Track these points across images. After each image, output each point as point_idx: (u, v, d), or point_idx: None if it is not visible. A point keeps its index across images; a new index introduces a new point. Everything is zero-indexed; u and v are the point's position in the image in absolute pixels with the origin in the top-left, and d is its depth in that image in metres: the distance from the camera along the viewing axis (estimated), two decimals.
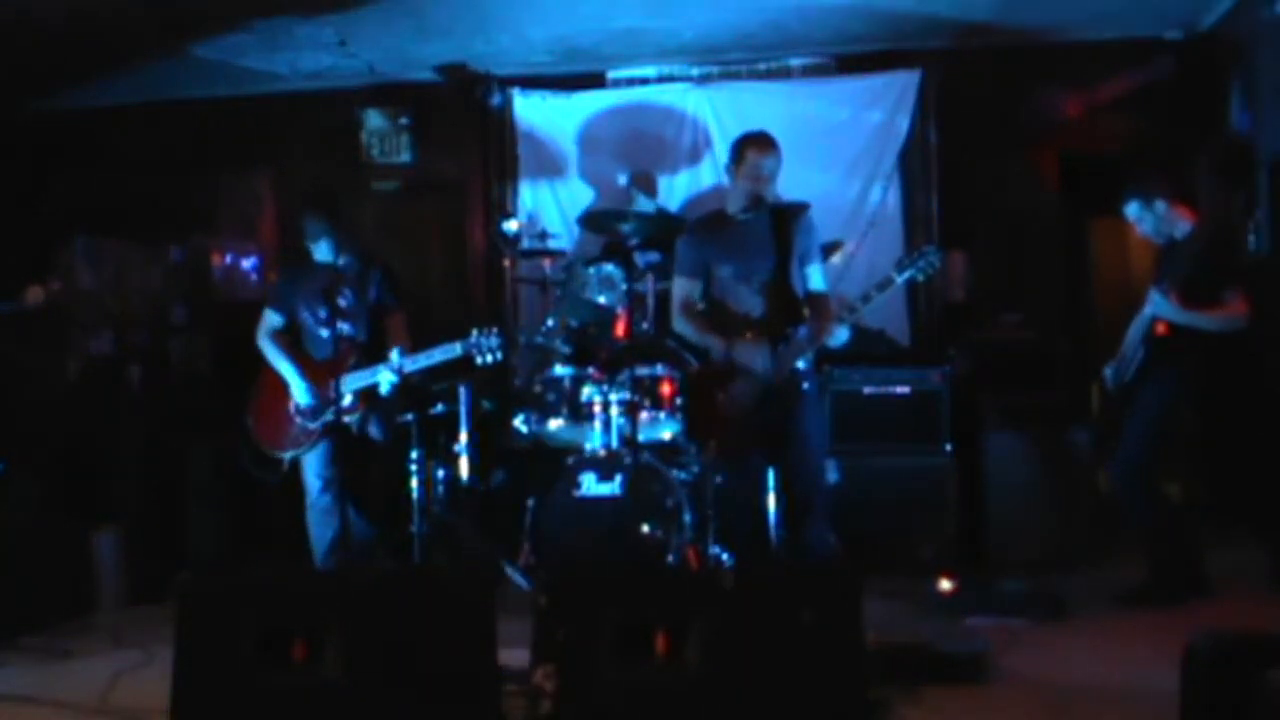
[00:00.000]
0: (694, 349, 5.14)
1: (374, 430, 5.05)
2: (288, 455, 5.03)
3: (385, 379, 4.83)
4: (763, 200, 4.59)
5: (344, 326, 4.91)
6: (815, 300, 4.65)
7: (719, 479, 4.89)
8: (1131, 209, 5.02)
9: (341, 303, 4.91)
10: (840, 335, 4.53)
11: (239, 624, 3.02)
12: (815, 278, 4.69)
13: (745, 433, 4.54)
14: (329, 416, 4.84)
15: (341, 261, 4.89)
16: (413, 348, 4.91)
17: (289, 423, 5.02)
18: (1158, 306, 4.83)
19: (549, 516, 5.14)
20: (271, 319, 5.13)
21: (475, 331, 4.77)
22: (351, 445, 4.97)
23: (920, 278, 4.50)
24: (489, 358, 4.78)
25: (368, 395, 4.92)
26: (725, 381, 4.56)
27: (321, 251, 4.98)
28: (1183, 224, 4.95)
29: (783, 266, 4.60)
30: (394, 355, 4.82)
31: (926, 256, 4.40)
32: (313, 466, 5.04)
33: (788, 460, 4.57)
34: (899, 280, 4.44)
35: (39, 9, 5.69)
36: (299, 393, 4.98)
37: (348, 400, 4.83)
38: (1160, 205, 4.95)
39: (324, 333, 4.98)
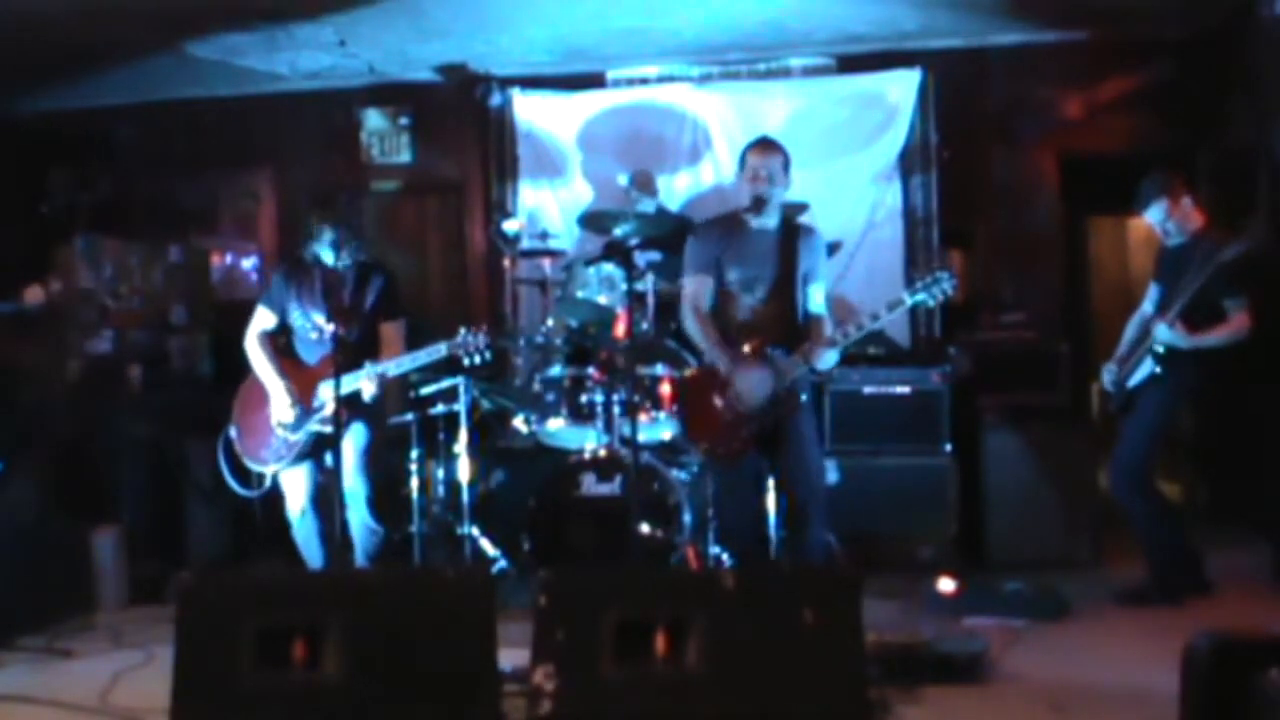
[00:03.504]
0: (695, 349, 5.13)
1: (361, 433, 4.77)
2: (269, 469, 4.79)
3: (368, 387, 4.58)
4: (764, 201, 4.57)
5: (337, 331, 4.58)
6: (811, 322, 4.62)
7: (719, 479, 4.90)
8: (1155, 211, 4.94)
9: (335, 305, 4.64)
10: (829, 359, 4.50)
11: (239, 624, 3.01)
12: (815, 299, 4.65)
13: (739, 437, 4.52)
14: (312, 427, 4.66)
15: (342, 264, 4.66)
16: (403, 353, 4.70)
17: (269, 433, 4.76)
18: (1164, 337, 4.79)
19: (549, 516, 5.15)
20: (263, 317, 4.86)
21: (462, 331, 4.58)
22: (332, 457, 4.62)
23: (931, 302, 4.46)
24: (476, 358, 4.58)
25: (351, 401, 4.57)
26: (722, 385, 4.55)
27: (325, 253, 4.70)
28: (1194, 224, 4.94)
29: (788, 280, 4.58)
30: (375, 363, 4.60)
31: (940, 282, 4.34)
32: (294, 492, 4.82)
33: (785, 462, 4.56)
34: (910, 302, 4.41)
35: (38, 8, 5.69)
36: (280, 407, 4.70)
37: (330, 409, 4.47)
38: (1186, 202, 4.91)
39: (314, 337, 4.76)
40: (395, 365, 4.63)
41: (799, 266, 4.60)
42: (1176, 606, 4.78)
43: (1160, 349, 4.83)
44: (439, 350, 4.60)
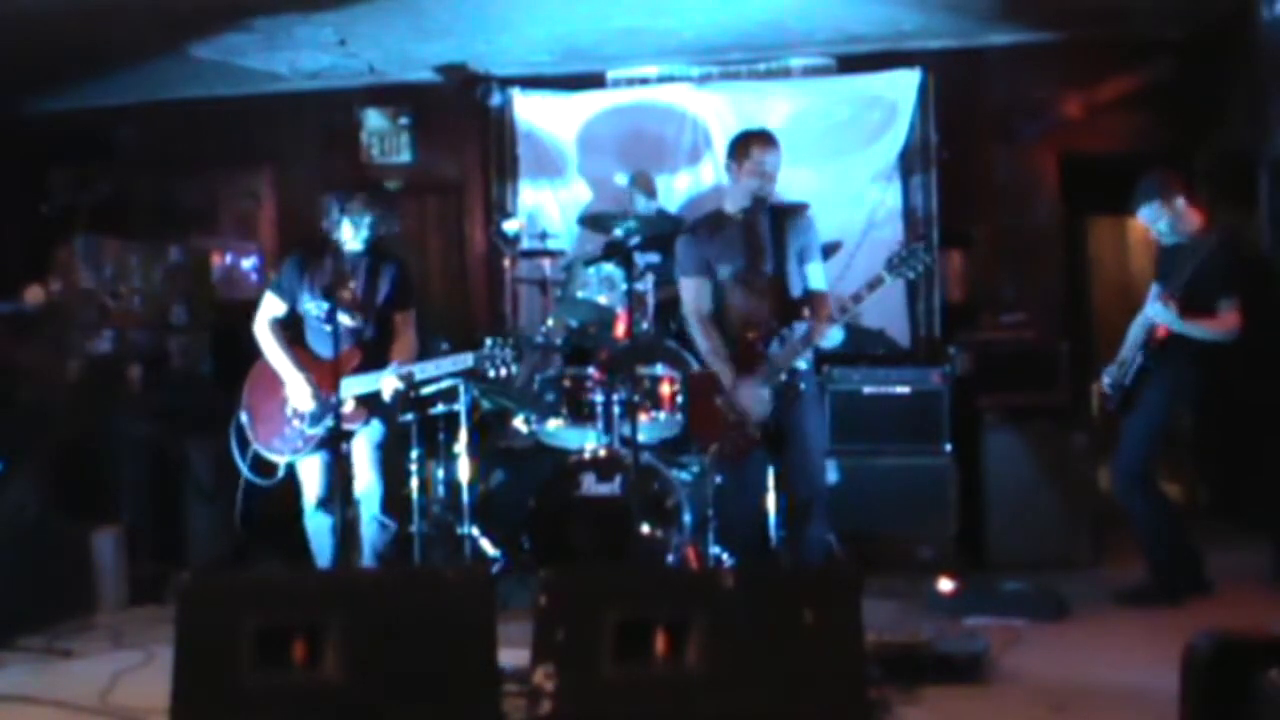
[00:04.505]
0: (696, 350, 5.13)
1: (377, 429, 4.80)
2: (284, 460, 4.79)
3: (389, 386, 4.59)
4: (763, 199, 4.57)
5: (350, 322, 4.65)
6: (814, 299, 4.61)
7: (719, 479, 4.90)
8: (1147, 211, 4.93)
9: (348, 296, 4.65)
10: (835, 336, 4.53)
11: (239, 624, 3.01)
12: (815, 276, 4.64)
13: (744, 435, 4.53)
14: (330, 422, 4.59)
15: (355, 252, 4.69)
16: (416, 347, 4.76)
17: (285, 424, 4.75)
18: (1157, 313, 4.80)
19: (549, 516, 5.15)
20: (272, 304, 4.82)
21: (489, 342, 4.60)
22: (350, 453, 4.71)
23: (912, 275, 4.48)
24: (502, 370, 4.61)
25: (369, 400, 4.65)
26: (725, 389, 4.55)
27: (348, 235, 4.67)
28: (1191, 225, 4.94)
29: (780, 266, 4.58)
30: (402, 364, 4.62)
31: (917, 254, 4.36)
32: (310, 483, 4.82)
33: (787, 460, 4.57)
34: (889, 279, 4.40)
35: (39, 8, 5.69)
36: (299, 397, 4.69)
37: (350, 407, 4.56)
38: (1180, 203, 4.90)
39: (328, 327, 4.62)
40: (419, 370, 4.65)
41: (790, 248, 4.59)
42: (1176, 606, 4.77)
43: (1149, 344, 4.83)
44: (465, 360, 4.64)
